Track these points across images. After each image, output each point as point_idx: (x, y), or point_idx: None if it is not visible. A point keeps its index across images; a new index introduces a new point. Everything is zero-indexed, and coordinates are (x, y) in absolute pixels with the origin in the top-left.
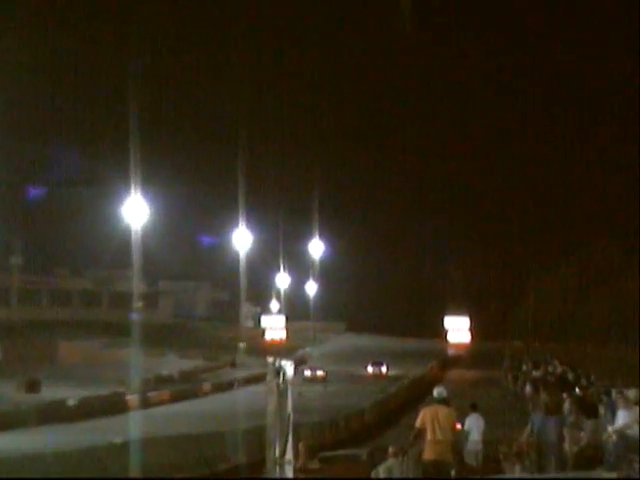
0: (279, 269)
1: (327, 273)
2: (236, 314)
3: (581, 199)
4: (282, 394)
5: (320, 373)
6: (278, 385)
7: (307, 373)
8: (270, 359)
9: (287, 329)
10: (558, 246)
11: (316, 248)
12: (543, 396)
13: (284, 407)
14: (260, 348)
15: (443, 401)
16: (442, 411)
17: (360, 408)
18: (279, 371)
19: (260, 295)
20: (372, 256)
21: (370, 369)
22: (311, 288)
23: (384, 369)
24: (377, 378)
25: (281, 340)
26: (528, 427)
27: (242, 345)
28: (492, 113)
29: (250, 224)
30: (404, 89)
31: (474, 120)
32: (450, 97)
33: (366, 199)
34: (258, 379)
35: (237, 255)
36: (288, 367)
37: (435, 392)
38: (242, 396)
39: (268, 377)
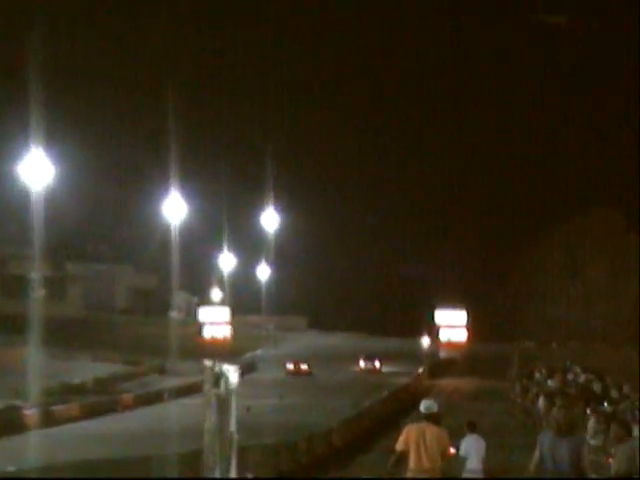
0: (222, 248)
1: (284, 254)
2: (166, 306)
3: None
4: (223, 408)
5: (304, 367)
6: (218, 396)
7: (290, 366)
8: (208, 362)
9: (232, 325)
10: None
11: (270, 222)
12: (554, 411)
13: (226, 424)
14: (197, 349)
15: (432, 418)
16: (430, 430)
17: (326, 427)
18: (220, 378)
19: (198, 281)
20: (341, 234)
21: (362, 364)
22: (263, 273)
23: (377, 364)
24: (370, 373)
25: (224, 339)
26: (536, 452)
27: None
28: (478, 83)
29: (186, 191)
30: (370, 54)
31: (459, 91)
32: (426, 67)
33: (334, 162)
34: (194, 389)
35: (168, 230)
36: (232, 373)
37: (422, 406)
38: (173, 411)
39: (205, 386)
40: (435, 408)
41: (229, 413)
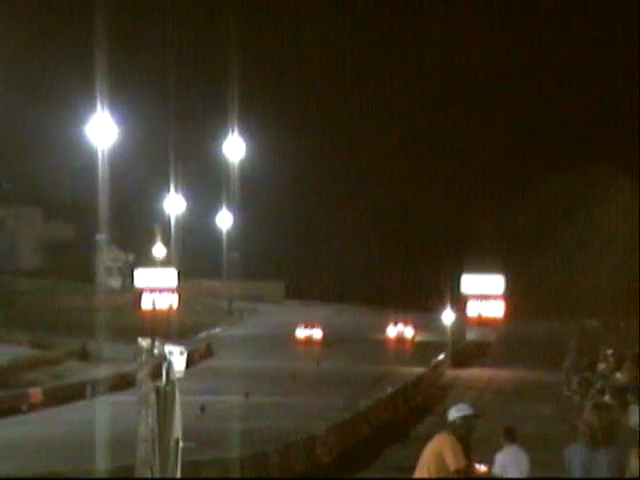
0: (168, 187)
1: (253, 196)
2: (90, 266)
3: None
4: (165, 406)
5: (317, 334)
6: (158, 390)
7: (300, 333)
8: (143, 342)
9: (180, 293)
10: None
11: (234, 150)
12: (586, 414)
13: (167, 430)
14: (133, 325)
15: (451, 426)
16: (434, 443)
17: (308, 435)
18: (160, 364)
19: (134, 233)
20: (331, 168)
21: (392, 331)
22: (225, 222)
23: (410, 331)
24: (401, 343)
25: (170, 310)
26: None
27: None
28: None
29: (117, 109)
30: None
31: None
32: None
33: (318, 73)
34: (128, 381)
35: (93, 161)
36: (177, 357)
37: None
38: (99, 411)
39: (139, 375)
40: (461, 411)
41: (173, 414)
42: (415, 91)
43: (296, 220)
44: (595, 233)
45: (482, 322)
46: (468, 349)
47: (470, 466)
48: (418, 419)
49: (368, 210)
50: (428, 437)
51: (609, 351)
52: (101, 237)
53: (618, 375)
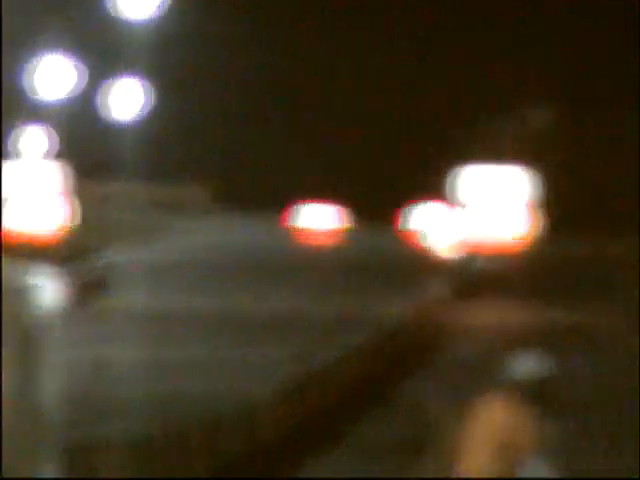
0: (44, 45)
1: (168, 58)
2: None
3: None
4: (29, 357)
5: (330, 218)
6: (22, 329)
7: (304, 221)
8: None
9: (71, 200)
10: None
11: None
12: None
13: (29, 389)
14: None
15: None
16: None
17: (246, 403)
18: (20, 292)
19: None
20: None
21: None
22: (127, 97)
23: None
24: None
25: (54, 234)
26: None
27: None
28: None
29: None
30: None
31: None
32: None
33: None
34: None
35: None
36: (45, 283)
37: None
38: None
39: None
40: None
41: (30, 377)
42: None
43: (230, 93)
44: None
45: (495, 243)
46: (475, 281)
47: None
48: (403, 376)
49: (321, 69)
50: (417, 402)
51: None
52: None
53: None
